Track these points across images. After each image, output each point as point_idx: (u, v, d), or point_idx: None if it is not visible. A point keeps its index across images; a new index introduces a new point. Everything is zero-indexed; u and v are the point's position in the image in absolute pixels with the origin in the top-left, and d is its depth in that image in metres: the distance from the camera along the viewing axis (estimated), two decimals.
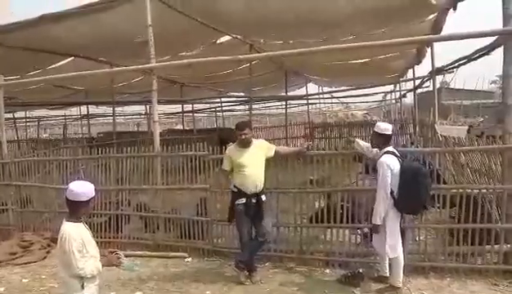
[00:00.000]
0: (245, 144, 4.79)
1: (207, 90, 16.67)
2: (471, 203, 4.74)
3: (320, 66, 12.21)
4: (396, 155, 4.20)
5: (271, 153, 4.93)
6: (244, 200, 4.71)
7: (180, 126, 21.84)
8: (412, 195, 4.03)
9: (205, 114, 27.32)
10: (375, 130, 4.29)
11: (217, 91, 17.30)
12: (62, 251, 2.88)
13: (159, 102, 8.06)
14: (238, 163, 4.72)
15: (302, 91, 17.33)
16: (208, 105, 21.13)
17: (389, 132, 4.24)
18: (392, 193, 4.09)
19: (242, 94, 16.88)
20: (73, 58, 9.50)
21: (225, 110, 20.92)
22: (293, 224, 5.50)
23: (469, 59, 6.89)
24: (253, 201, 4.74)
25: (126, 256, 3.44)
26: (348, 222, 5.20)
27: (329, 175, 5.45)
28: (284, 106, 17.20)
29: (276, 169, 5.41)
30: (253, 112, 19.28)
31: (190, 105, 18.66)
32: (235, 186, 4.76)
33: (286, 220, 5.57)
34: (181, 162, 6.03)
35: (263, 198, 4.82)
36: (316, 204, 5.60)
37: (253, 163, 4.74)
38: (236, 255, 5.05)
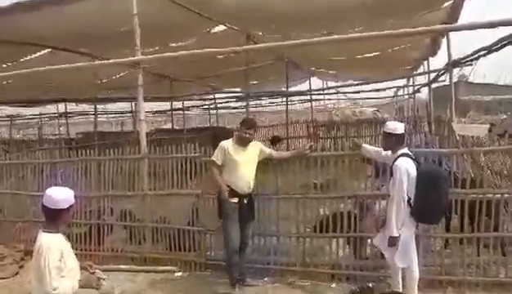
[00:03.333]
0: (245, 143, 4.88)
1: (199, 85, 16.66)
2: (492, 209, 4.75)
3: (325, 59, 12.23)
4: (412, 158, 4.20)
5: (264, 156, 5.03)
6: (236, 200, 4.75)
7: (169, 126, 21.82)
8: (431, 202, 4.02)
9: (197, 112, 27.33)
10: (385, 130, 4.30)
11: (211, 86, 17.30)
12: (37, 266, 2.88)
13: (146, 99, 8.06)
14: (233, 160, 4.79)
15: (304, 86, 17.36)
16: (200, 102, 21.13)
17: (400, 132, 4.23)
18: (408, 200, 4.08)
19: (238, 89, 16.88)
20: (49, 50, 9.49)
21: (219, 108, 20.93)
22: (295, 233, 5.51)
23: (490, 49, 6.92)
24: (245, 201, 4.81)
25: (109, 271, 3.43)
26: (356, 231, 5.20)
27: (335, 179, 5.45)
28: (284, 103, 17.22)
29: (275, 173, 5.43)
30: (251, 109, 19.24)
31: (181, 102, 18.63)
32: (227, 185, 4.81)
33: (287, 229, 5.58)
34: (170, 165, 6.04)
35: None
36: (321, 211, 5.60)
37: (248, 163, 4.86)
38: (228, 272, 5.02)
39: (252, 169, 4.90)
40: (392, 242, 4.11)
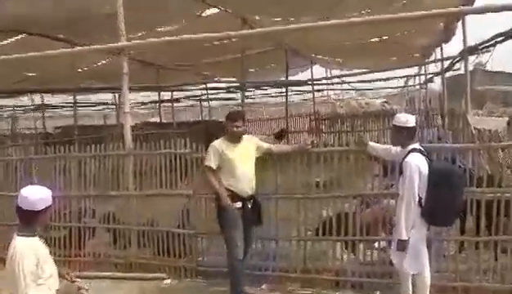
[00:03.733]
0: (237, 138, 4.85)
1: (190, 74, 16.63)
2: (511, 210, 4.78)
3: (328, 45, 12.23)
4: (423, 154, 4.21)
5: (263, 152, 5.00)
6: (239, 204, 4.73)
7: (157, 119, 21.77)
8: (444, 202, 4.02)
9: (188, 104, 27.26)
10: (394, 123, 4.30)
11: (203, 75, 17.26)
12: (11, 274, 2.87)
13: (131, 89, 8.02)
14: (229, 160, 4.75)
15: (306, 75, 17.34)
16: (191, 93, 21.06)
17: (411, 125, 4.24)
18: (419, 200, 4.09)
19: (233, 79, 16.85)
20: (23, 35, 9.43)
21: (212, 99, 20.90)
22: (295, 236, 5.53)
23: (510, 35, 6.93)
24: (250, 205, 4.79)
25: (91, 279, 3.43)
26: (362, 234, 5.23)
27: (339, 177, 5.47)
28: (284, 94, 17.22)
29: (274, 170, 5.43)
30: (247, 101, 19.23)
31: (169, 93, 18.59)
32: (227, 189, 4.77)
33: (287, 232, 5.60)
34: (158, 163, 6.03)
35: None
36: (324, 212, 5.62)
37: (246, 161, 4.82)
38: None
39: (251, 167, 4.87)
40: (402, 245, 4.11)
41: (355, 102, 25.24)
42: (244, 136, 4.96)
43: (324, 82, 17.99)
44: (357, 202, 5.35)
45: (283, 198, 5.50)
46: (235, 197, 4.75)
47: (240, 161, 4.78)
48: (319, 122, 15.97)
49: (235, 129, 4.81)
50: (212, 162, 4.82)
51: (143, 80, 14.51)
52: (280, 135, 14.78)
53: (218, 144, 4.88)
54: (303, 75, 17.94)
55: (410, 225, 4.06)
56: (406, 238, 4.07)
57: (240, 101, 17.39)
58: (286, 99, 16.24)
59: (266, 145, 5.13)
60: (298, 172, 5.46)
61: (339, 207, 5.44)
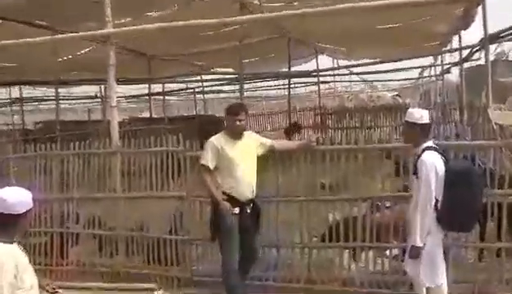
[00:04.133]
0: (238, 133, 4.81)
1: (183, 65, 16.62)
2: None
3: (335, 32, 12.21)
4: (439, 152, 4.21)
5: (265, 149, 4.97)
6: (237, 210, 4.70)
7: (147, 114, 21.77)
8: (462, 205, 4.02)
9: (181, 98, 27.25)
10: (407, 119, 4.30)
11: (197, 66, 17.25)
12: None
13: (119, 81, 8.04)
14: (229, 159, 4.70)
15: (311, 66, 17.33)
16: (184, 85, 21.05)
17: (425, 121, 4.24)
18: (435, 204, 4.09)
19: (230, 70, 16.85)
20: None
21: (207, 92, 20.91)
22: (299, 243, 5.54)
23: None
24: (249, 210, 4.76)
25: (74, 289, 3.44)
26: (372, 241, 5.24)
27: (346, 178, 5.47)
28: (286, 86, 17.20)
29: (275, 170, 5.44)
30: (246, 94, 19.21)
31: (160, 85, 18.57)
32: (223, 192, 4.73)
33: (290, 239, 5.61)
34: (148, 162, 6.03)
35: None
36: (330, 217, 5.62)
37: (247, 160, 4.77)
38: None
39: (252, 166, 4.82)
40: (415, 252, 4.11)
41: (364, 95, 25.32)
42: (245, 132, 4.92)
43: (330, 73, 18.02)
44: (367, 205, 5.36)
45: (285, 200, 5.51)
46: (232, 201, 4.69)
47: (241, 160, 4.72)
48: (325, 117, 15.99)
49: (237, 123, 4.76)
50: (209, 160, 4.75)
51: (132, 71, 14.54)
52: (291, 131, 14.64)
53: (216, 140, 4.82)
54: (308, 66, 17.91)
55: (425, 231, 4.05)
56: (421, 245, 4.07)
57: (237, 94, 17.39)
58: (289, 92, 16.24)
59: (269, 142, 5.09)
60: (301, 173, 5.47)
61: (347, 210, 5.44)
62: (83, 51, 13.06)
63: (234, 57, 11.39)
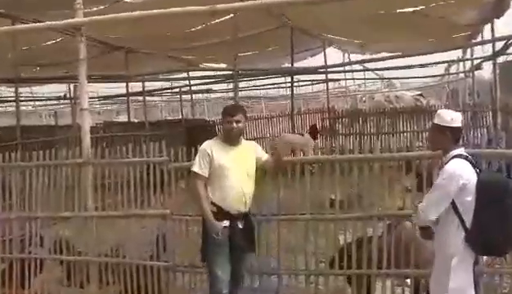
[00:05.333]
0: (234, 138, 4.89)
1: (167, 60, 16.66)
2: None
3: (345, 21, 12.27)
4: (471, 162, 4.21)
5: (260, 164, 5.03)
6: (226, 223, 4.75)
7: (124, 118, 21.81)
8: (496, 225, 4.02)
9: (165, 99, 27.31)
10: (436, 122, 4.30)
11: (184, 61, 17.30)
12: None
13: (91, 79, 8.03)
14: (220, 166, 4.78)
15: (317, 61, 17.39)
16: (168, 84, 21.08)
17: (456, 125, 4.24)
18: (463, 222, 4.09)
19: (223, 66, 16.90)
20: None
21: (195, 91, 20.94)
22: (303, 269, 5.54)
23: None
24: (240, 226, 4.80)
25: None
26: (390, 267, 5.25)
27: (360, 193, 5.49)
28: (289, 85, 17.25)
29: (276, 183, 5.46)
30: (241, 94, 19.29)
31: (141, 84, 18.60)
32: (212, 203, 4.79)
33: (293, 264, 5.60)
34: (125, 174, 6.03)
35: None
36: (341, 238, 5.63)
37: (241, 168, 4.82)
38: None
39: (247, 176, 4.89)
40: (425, 234, 4.26)
41: (381, 95, 25.36)
42: (242, 140, 5.02)
43: (340, 69, 18.05)
44: (384, 224, 5.36)
45: (287, 219, 5.52)
46: (222, 214, 4.76)
47: (234, 168, 4.79)
48: (334, 121, 16.02)
49: (233, 125, 4.84)
50: (201, 167, 4.84)
51: (107, 67, 14.54)
52: (319, 132, 14.43)
53: (209, 145, 4.92)
54: (314, 61, 17.98)
55: (434, 212, 4.10)
56: (425, 225, 4.19)
57: (231, 94, 17.37)
58: (292, 91, 16.34)
59: (264, 157, 5.10)
60: (306, 187, 5.48)
61: (360, 231, 5.44)
62: (49, 43, 13.09)
63: (227, 51, 11.42)
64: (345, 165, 5.38)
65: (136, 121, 19.58)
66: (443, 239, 4.16)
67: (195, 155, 5.03)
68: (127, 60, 14.73)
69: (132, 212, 6.00)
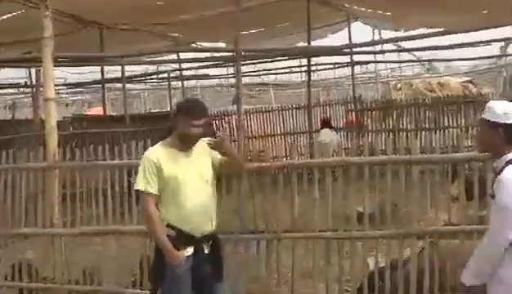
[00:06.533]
0: (190, 144, 4.78)
1: (151, 38, 16.69)
2: None
3: None
4: None
5: (215, 164, 4.94)
6: (190, 251, 4.71)
7: (99, 110, 21.85)
8: None
9: (148, 87, 27.32)
10: (486, 117, 4.30)
11: (172, 39, 17.33)
12: None
13: (58, 62, 8.05)
14: (174, 178, 4.67)
15: (340, 39, 17.40)
16: (154, 67, 21.10)
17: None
18: None
19: (222, 45, 16.92)
20: None
21: (187, 77, 20.97)
22: None
23: None
24: (206, 250, 4.79)
25: None
26: (433, 292, 5.25)
27: (394, 205, 5.49)
28: (305, 69, 17.24)
29: (286, 191, 5.46)
30: (244, 80, 19.31)
31: (119, 68, 18.65)
32: (170, 226, 4.72)
33: (311, 292, 5.62)
34: (101, 181, 6.06)
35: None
36: (371, 263, 5.64)
37: (200, 177, 4.78)
38: None
39: (209, 185, 4.87)
40: (463, 288, 4.23)
41: (420, 82, 25.34)
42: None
43: (369, 49, 18.03)
44: (424, 243, 5.36)
45: (303, 238, 5.56)
46: (181, 239, 4.70)
47: (190, 178, 4.70)
48: (361, 114, 16.02)
49: (193, 130, 4.74)
50: (148, 182, 4.71)
51: (77, 47, 14.58)
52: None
53: (154, 153, 4.78)
54: (336, 39, 18.00)
55: (487, 270, 4.07)
56: (472, 284, 4.16)
57: (232, 81, 17.35)
58: (309, 77, 16.25)
59: (219, 156, 4.97)
60: (327, 196, 5.49)
61: (396, 251, 5.46)
62: (5, 17, 13.15)
63: (227, 27, 11.44)
64: (376, 169, 5.40)
65: (113, 114, 19.61)
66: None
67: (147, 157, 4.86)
68: (102, 38, 14.77)
69: (109, 228, 6.05)
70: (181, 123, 4.76)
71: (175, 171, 4.73)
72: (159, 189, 4.73)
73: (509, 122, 4.18)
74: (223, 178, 5.58)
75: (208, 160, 4.91)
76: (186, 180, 4.73)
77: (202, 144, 4.91)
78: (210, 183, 4.88)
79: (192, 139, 4.77)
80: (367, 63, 22.29)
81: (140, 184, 4.72)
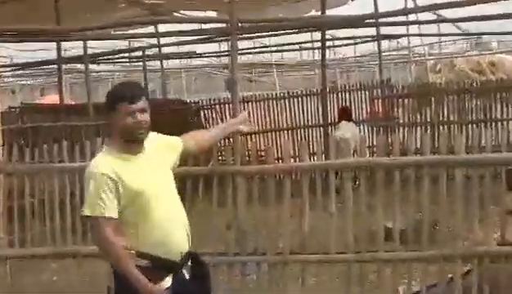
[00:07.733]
0: (141, 140, 4.67)
1: (122, 4, 16.75)
2: None
3: None
4: None
5: (179, 153, 4.90)
6: (169, 281, 4.66)
7: (55, 98, 21.90)
8: None
9: (120, 68, 27.36)
10: None
11: (148, 8, 17.38)
12: None
13: (4, 36, 8.05)
14: (136, 193, 4.56)
15: (362, 8, 17.45)
16: (126, 44, 21.12)
17: None
18: None
19: (213, 15, 16.98)
20: None
21: (168, 56, 21.01)
22: None
23: None
24: (187, 275, 4.77)
25: None
26: None
27: (434, 219, 5.50)
28: (318, 45, 17.27)
29: (294, 202, 5.50)
30: (242, 59, 19.34)
31: (81, 44, 18.71)
32: (141, 256, 4.66)
33: None
34: (56, 188, 6.11)
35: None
36: (401, 290, 5.66)
37: (164, 184, 4.69)
38: None
39: (177, 199, 4.77)
40: None
41: (465, 62, 25.39)
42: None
43: (400, 20, 18.07)
44: (473, 267, 5.38)
45: (317, 261, 5.59)
46: (158, 268, 4.62)
47: (155, 188, 4.63)
48: (390, 103, 16.04)
49: (139, 117, 4.61)
50: (105, 205, 4.53)
51: (27, 19, 14.63)
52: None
53: (106, 165, 4.60)
54: (356, 8, 18.06)
55: None
56: None
57: (226, 60, 17.29)
58: (323, 55, 16.29)
59: (178, 141, 4.93)
60: (347, 209, 5.52)
61: (436, 276, 5.47)
62: None
63: None
64: (409, 173, 5.42)
65: (74, 103, 19.66)
66: None
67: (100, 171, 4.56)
68: (57, 7, 14.80)
69: (68, 250, 6.08)
70: (115, 117, 4.56)
71: (139, 183, 4.48)
72: (119, 212, 4.54)
73: None
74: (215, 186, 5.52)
75: (169, 156, 4.81)
76: (155, 193, 4.57)
77: (155, 137, 4.81)
78: (175, 185, 4.76)
79: (136, 131, 4.50)
80: (398, 37, 22.35)
81: (93, 209, 4.46)
